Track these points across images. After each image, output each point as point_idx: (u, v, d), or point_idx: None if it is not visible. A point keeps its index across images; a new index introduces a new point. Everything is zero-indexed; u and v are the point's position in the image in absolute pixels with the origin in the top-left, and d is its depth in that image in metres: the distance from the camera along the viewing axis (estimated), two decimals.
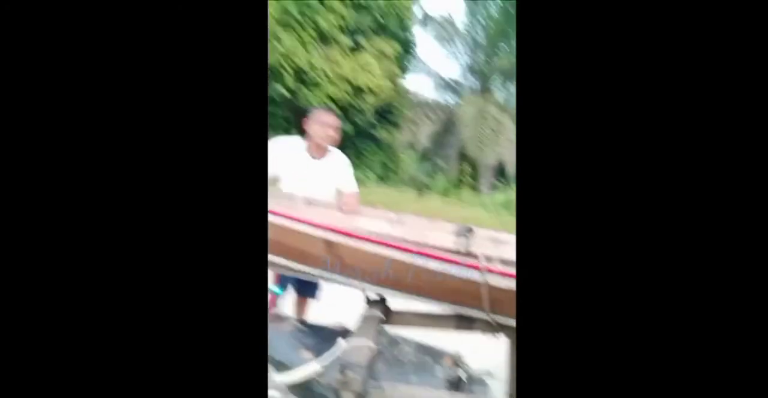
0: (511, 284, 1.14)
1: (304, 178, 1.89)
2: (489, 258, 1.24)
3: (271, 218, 1.44)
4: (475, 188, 9.65)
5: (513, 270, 1.14)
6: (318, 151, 1.94)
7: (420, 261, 1.25)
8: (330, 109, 2.11)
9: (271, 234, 1.47)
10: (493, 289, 1.19)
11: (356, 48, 9.42)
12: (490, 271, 1.17)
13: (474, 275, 1.18)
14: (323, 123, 1.91)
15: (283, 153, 1.88)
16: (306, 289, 2.04)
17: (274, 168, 1.84)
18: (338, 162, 2.02)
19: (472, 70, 11.46)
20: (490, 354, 1.81)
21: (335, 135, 1.94)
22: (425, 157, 11.23)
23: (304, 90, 8.76)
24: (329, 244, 1.37)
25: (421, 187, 9.26)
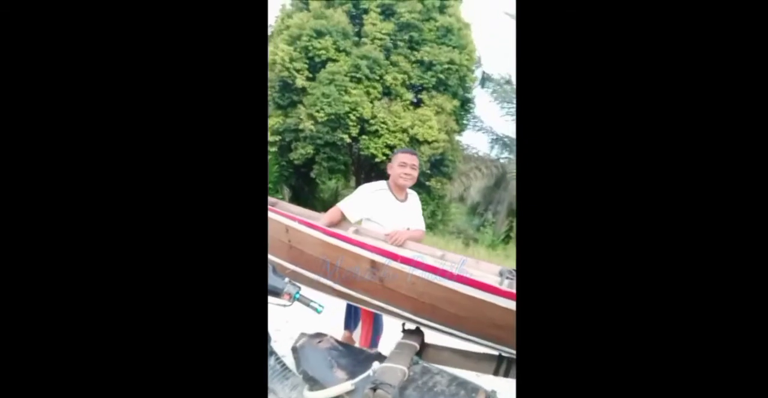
0: None
1: (392, 218, 1.99)
2: None
3: (323, 237, 1.54)
4: None
5: None
6: (400, 193, 2.03)
7: (461, 288, 1.26)
8: (408, 149, 2.21)
9: (321, 254, 1.56)
10: None
11: (417, 102, 9.94)
12: None
13: (514, 305, 1.18)
14: (402, 163, 1.99)
15: (373, 197, 2.00)
16: (378, 324, 2.07)
17: (364, 211, 1.96)
18: (415, 203, 2.12)
19: None
20: None
21: (413, 173, 2.01)
22: (474, 211, 11.15)
23: (365, 138, 9.25)
24: (374, 265, 1.42)
25: (468, 240, 9.11)
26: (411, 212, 2.09)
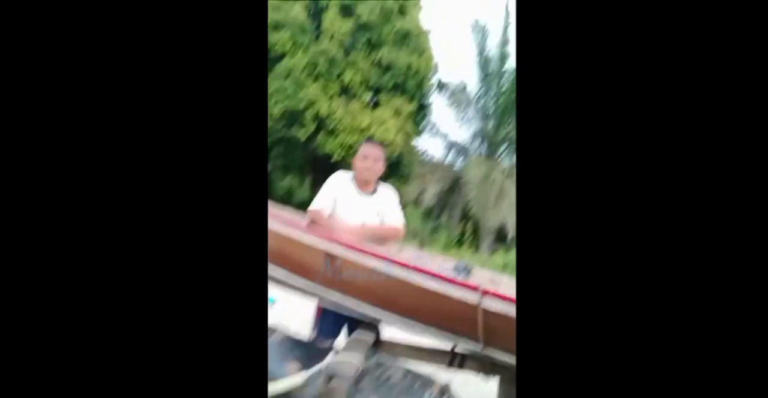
0: (507, 308, 1.13)
1: (354, 212, 1.86)
2: (491, 281, 1.24)
3: (275, 227, 1.47)
4: (475, 248, 9.61)
5: (511, 295, 1.13)
6: (364, 186, 1.90)
7: (418, 279, 1.25)
8: (374, 141, 2.03)
9: (274, 244, 1.49)
10: (488, 315, 1.18)
11: (375, 104, 9.96)
12: (487, 293, 1.16)
13: (471, 297, 1.18)
14: (364, 156, 1.87)
15: (335, 188, 1.89)
16: (329, 323, 1.85)
17: (327, 202, 1.85)
18: (386, 198, 1.96)
19: (482, 136, 11.95)
20: (480, 389, 1.70)
21: (376, 167, 1.87)
22: (429, 214, 11.33)
23: (321, 136, 9.12)
24: (329, 257, 1.38)
25: (423, 241, 9.23)
26: (382, 207, 1.94)
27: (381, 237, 1.86)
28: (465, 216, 10.59)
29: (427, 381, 1.23)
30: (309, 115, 8.81)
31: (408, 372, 1.28)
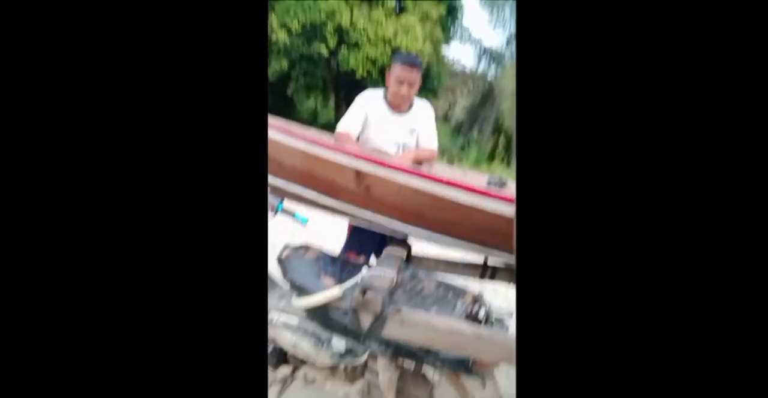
0: None
1: (386, 132, 1.77)
2: None
3: (302, 146, 1.43)
4: (507, 162, 9.41)
5: None
6: (396, 106, 1.80)
7: (451, 193, 1.21)
8: (410, 59, 1.80)
9: (302, 164, 1.47)
10: None
11: (400, 9, 9.10)
12: None
13: (506, 209, 1.14)
14: (399, 81, 1.72)
15: (365, 107, 1.77)
16: (358, 239, 1.89)
17: (357, 124, 1.75)
18: (421, 114, 1.86)
19: None
20: (510, 298, 1.77)
21: (412, 91, 1.75)
22: (458, 129, 10.97)
23: (344, 50, 8.59)
24: (359, 175, 1.35)
25: (452, 158, 9.10)
26: (417, 124, 1.82)
27: (417, 161, 1.79)
28: (497, 129, 10.19)
29: (459, 292, 1.26)
30: (330, 27, 8.21)
31: (441, 283, 1.31)
